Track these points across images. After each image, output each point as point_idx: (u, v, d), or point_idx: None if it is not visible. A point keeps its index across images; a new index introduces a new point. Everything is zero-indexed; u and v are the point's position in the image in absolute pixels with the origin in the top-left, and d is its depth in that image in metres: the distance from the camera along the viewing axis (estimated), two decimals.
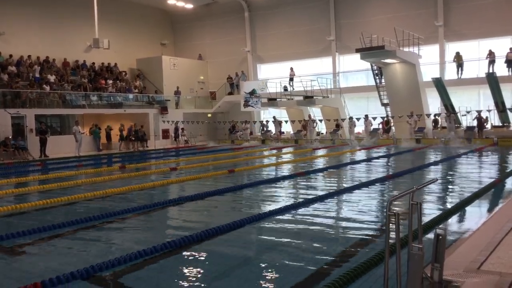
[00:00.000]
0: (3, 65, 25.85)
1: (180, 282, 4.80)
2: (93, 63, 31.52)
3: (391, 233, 3.51)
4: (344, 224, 7.34)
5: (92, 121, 27.31)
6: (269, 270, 5.13)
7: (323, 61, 32.29)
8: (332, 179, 12.90)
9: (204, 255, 5.76)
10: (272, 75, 33.71)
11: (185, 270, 5.16)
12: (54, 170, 16.98)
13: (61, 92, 26.36)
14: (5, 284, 4.77)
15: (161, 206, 9.08)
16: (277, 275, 4.96)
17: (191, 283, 4.77)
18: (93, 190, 11.06)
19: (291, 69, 31.61)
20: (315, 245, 6.02)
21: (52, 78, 26.72)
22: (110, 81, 30.41)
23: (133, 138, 27.34)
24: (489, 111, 23.87)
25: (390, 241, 3.55)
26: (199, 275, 4.99)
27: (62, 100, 26.18)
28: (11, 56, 26.79)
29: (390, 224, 3.52)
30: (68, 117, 26.46)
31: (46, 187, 12.13)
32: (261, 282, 4.77)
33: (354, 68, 30.49)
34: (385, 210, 3.68)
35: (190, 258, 5.67)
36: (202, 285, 4.73)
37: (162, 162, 19.02)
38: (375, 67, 27.28)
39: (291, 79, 31.25)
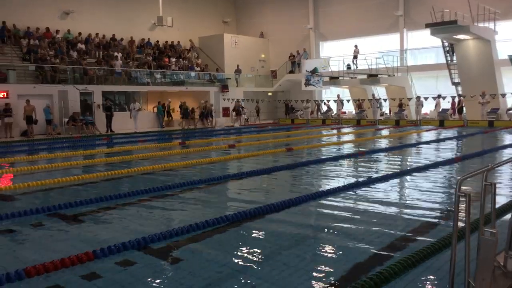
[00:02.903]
0: (72, 43, 26.94)
1: (234, 257, 4.67)
2: (157, 41, 32.14)
3: (461, 215, 3.15)
4: (408, 205, 6.94)
5: (156, 98, 27.98)
6: (326, 249, 4.89)
7: (389, 37, 30.92)
8: (395, 160, 12.33)
9: (260, 231, 5.63)
10: (335, 53, 32.76)
11: (240, 245, 5.04)
12: (118, 144, 17.57)
13: (127, 70, 27.13)
14: (61, 250, 4.86)
15: (219, 181, 9.06)
16: (334, 255, 4.73)
17: (245, 259, 4.63)
18: (153, 164, 11.29)
19: (355, 46, 30.50)
20: (376, 225, 5.68)
21: (118, 56, 27.53)
22: (173, 59, 30.91)
23: (182, 116, 27.00)
24: None
25: (459, 224, 3.19)
26: (253, 251, 4.84)
27: (128, 78, 26.98)
28: (80, 34, 27.85)
29: (460, 206, 3.17)
30: (133, 94, 27.27)
31: (110, 160, 12.56)
32: (317, 261, 4.56)
33: (423, 45, 28.96)
34: (453, 192, 3.32)
35: (245, 233, 5.56)
36: (256, 261, 4.58)
37: (222, 139, 19.12)
38: (446, 43, 25.74)
39: (355, 57, 30.20)
